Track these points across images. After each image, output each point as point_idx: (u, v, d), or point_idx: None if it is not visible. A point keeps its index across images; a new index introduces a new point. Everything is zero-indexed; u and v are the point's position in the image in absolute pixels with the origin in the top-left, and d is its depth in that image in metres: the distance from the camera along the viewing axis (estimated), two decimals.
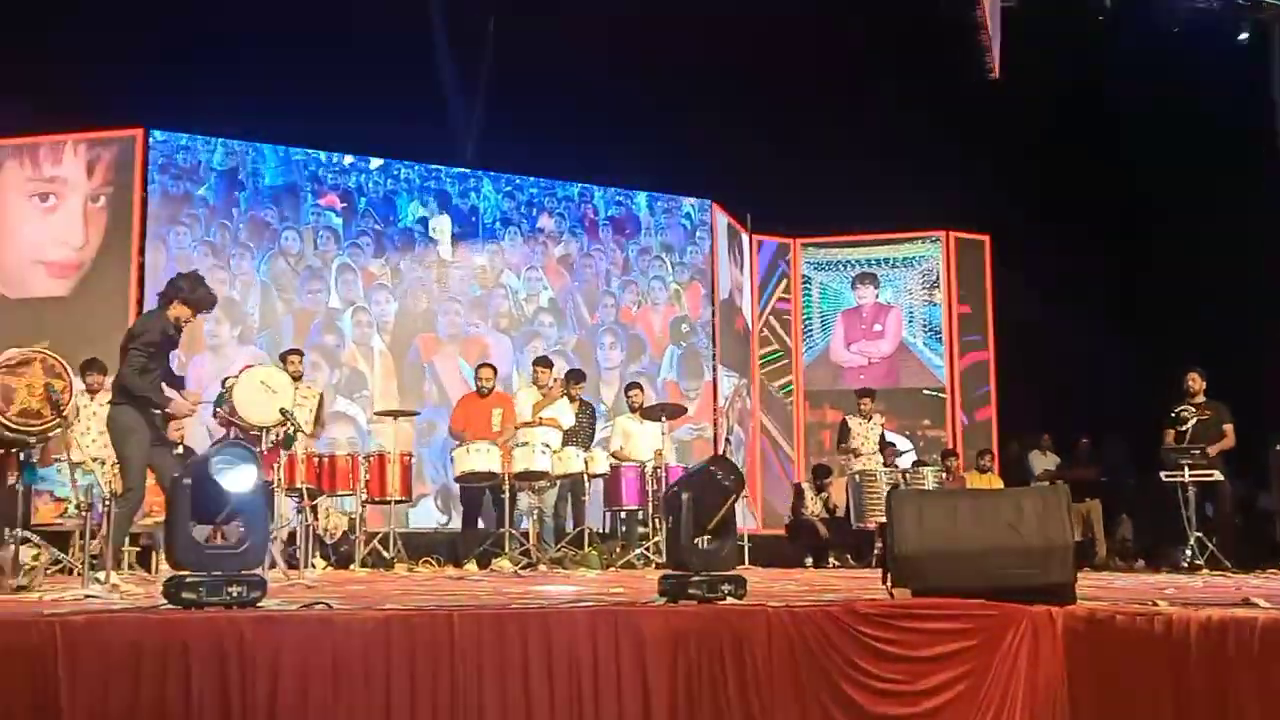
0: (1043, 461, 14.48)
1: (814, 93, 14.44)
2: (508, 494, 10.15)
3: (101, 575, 6.31)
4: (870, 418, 12.53)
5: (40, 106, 11.85)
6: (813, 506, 13.50)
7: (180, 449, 9.48)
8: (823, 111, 14.61)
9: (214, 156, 12.54)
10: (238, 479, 4.48)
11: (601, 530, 11.31)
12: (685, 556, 4.89)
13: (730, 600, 4.79)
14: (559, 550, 10.36)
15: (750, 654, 4.54)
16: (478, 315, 13.40)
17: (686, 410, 12.19)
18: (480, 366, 11.31)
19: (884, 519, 10.96)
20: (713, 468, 5.07)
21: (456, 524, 11.52)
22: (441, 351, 13.08)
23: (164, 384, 6.98)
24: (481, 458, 10.05)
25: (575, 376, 11.56)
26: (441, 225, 13.15)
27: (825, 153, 14.57)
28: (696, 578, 4.81)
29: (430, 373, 13.02)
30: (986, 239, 16.29)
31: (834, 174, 14.62)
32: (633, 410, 11.60)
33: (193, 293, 7.17)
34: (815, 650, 4.65)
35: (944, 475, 12.60)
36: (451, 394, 12.65)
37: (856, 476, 11.96)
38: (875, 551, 11.84)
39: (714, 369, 14.81)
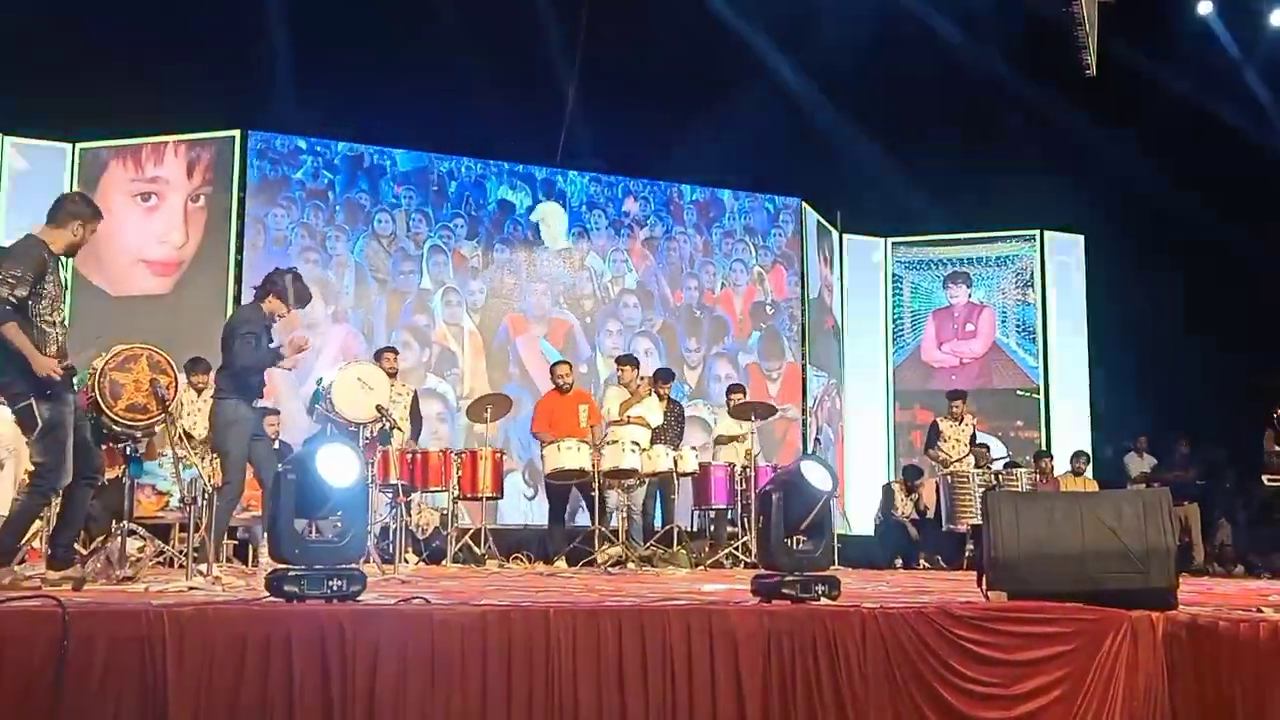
0: (1138, 464, 14.23)
1: (907, 90, 14.32)
2: (597, 492, 10.19)
3: (204, 568, 6.44)
4: (961, 419, 12.40)
5: (141, 108, 12.13)
6: (903, 508, 13.40)
7: (277, 444, 9.69)
8: (915, 109, 14.50)
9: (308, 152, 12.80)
10: (341, 473, 4.54)
11: (690, 529, 11.33)
12: (777, 556, 4.88)
13: (824, 601, 4.77)
14: (648, 548, 10.39)
15: (844, 655, 4.52)
16: (563, 297, 13.51)
17: (776, 411, 12.16)
18: (557, 364, 11.33)
19: (975, 521, 11.00)
20: (804, 467, 5.06)
21: (541, 513, 11.55)
22: (528, 332, 13.21)
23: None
24: (572, 455, 10.09)
25: (663, 375, 11.58)
26: (547, 213, 13.34)
27: (917, 151, 14.47)
28: (789, 577, 4.79)
29: (514, 353, 13.15)
30: (1081, 238, 16.06)
31: (926, 172, 14.52)
32: (729, 413, 11.60)
33: (289, 289, 7.32)
34: (910, 652, 4.62)
35: (1037, 477, 12.42)
36: (533, 372, 12.83)
37: (948, 478, 11.85)
38: (967, 553, 11.73)
39: (803, 366, 14.74)
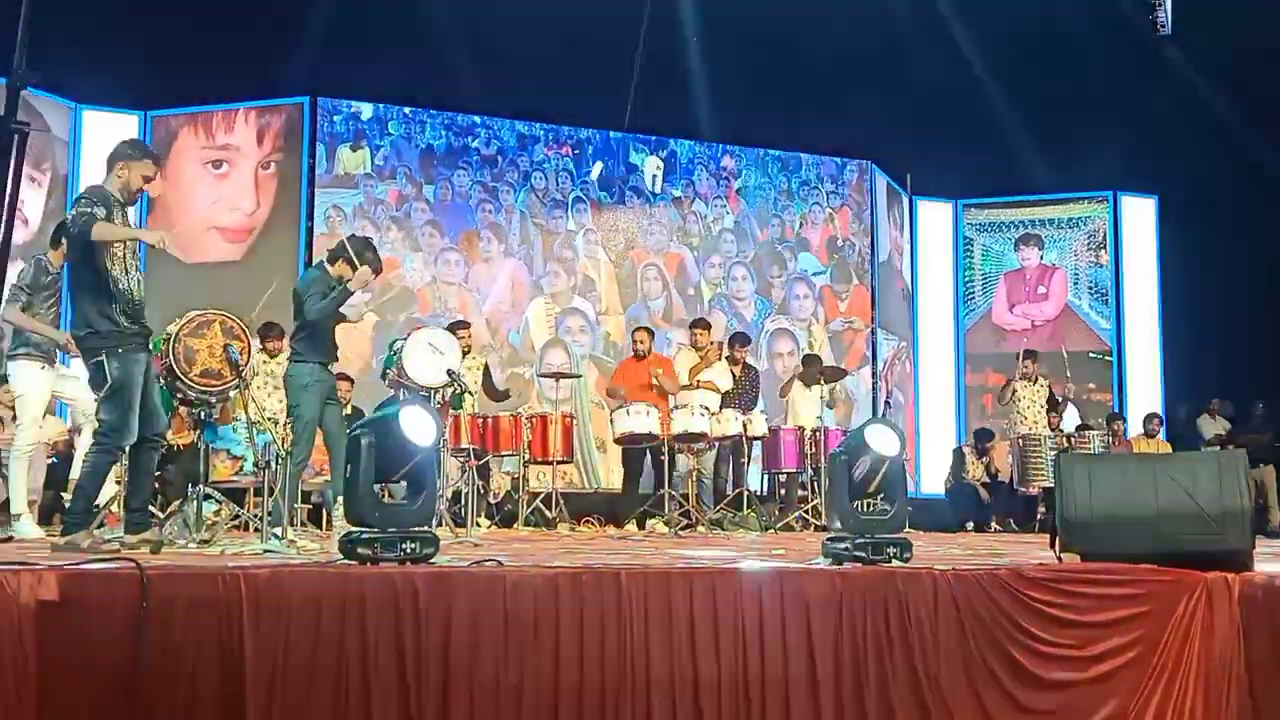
0: (1212, 426, 14.00)
1: (978, 51, 14.13)
2: (667, 456, 10.20)
3: (279, 531, 6.52)
4: (1035, 380, 12.21)
5: (212, 75, 12.25)
6: (974, 471, 13.30)
7: (349, 410, 9.78)
8: (985, 70, 14.30)
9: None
10: (417, 436, 4.56)
11: (760, 493, 11.31)
12: (848, 519, 4.86)
13: (895, 563, 4.75)
14: (718, 512, 10.39)
15: (916, 617, 4.49)
16: (676, 235, 14.53)
17: (847, 374, 12.11)
18: (637, 330, 11.36)
19: (1048, 483, 10.90)
20: (872, 431, 5.02)
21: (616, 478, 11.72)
22: (647, 260, 14.40)
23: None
24: (641, 419, 10.09)
25: (739, 340, 11.56)
26: (651, 165, 14.58)
27: (988, 113, 14.29)
28: (860, 540, 4.76)
29: (639, 277, 14.33)
30: (1154, 200, 15.80)
31: (997, 134, 14.33)
32: (801, 378, 11.56)
33: (360, 255, 7.38)
34: (982, 614, 4.58)
35: (1110, 439, 12.27)
36: (649, 293, 14.29)
37: (1019, 441, 11.74)
38: (1039, 516, 11.63)
39: (873, 331, 14.68)
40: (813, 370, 11.31)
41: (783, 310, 14.78)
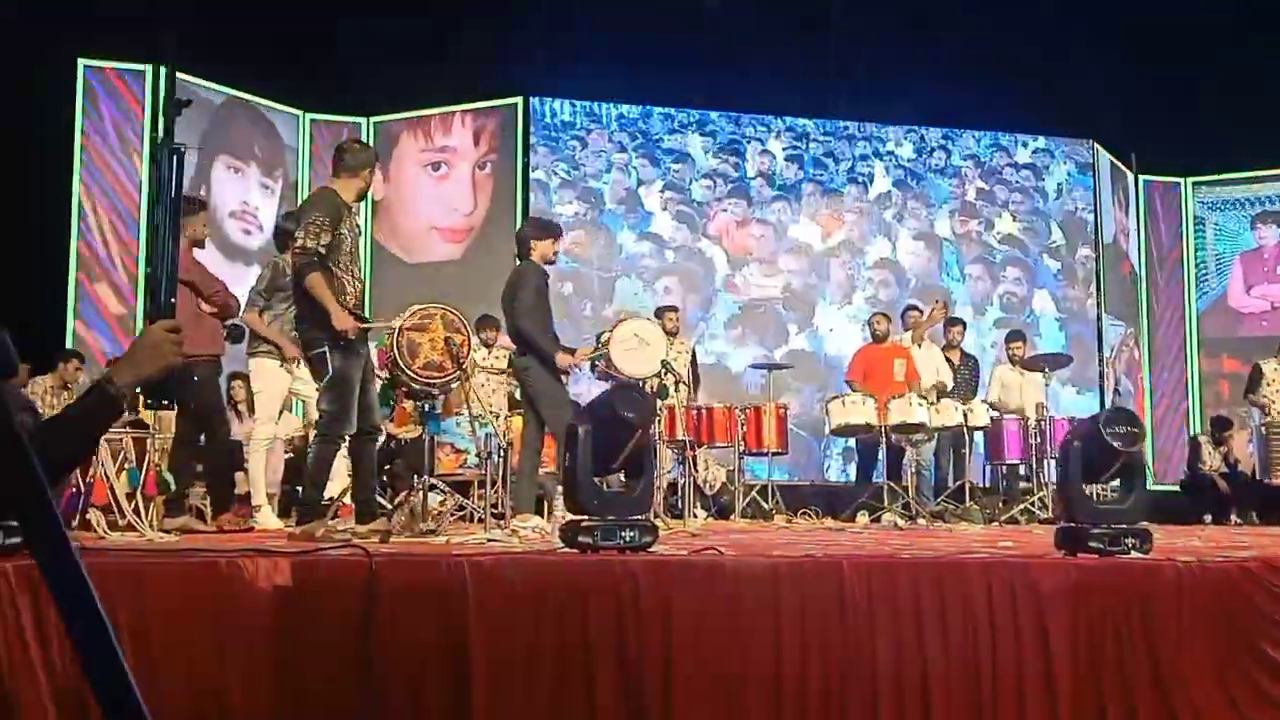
0: None
1: (1201, 18, 13.44)
2: (885, 447, 9.98)
3: (503, 521, 6.61)
4: None
5: (429, 77, 12.56)
6: (1210, 461, 12.67)
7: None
8: (1211, 37, 13.59)
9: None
10: (633, 419, 4.55)
11: (983, 484, 11.00)
12: (1081, 508, 4.64)
13: (1134, 555, 4.51)
14: (939, 504, 10.14)
15: (1159, 611, 4.26)
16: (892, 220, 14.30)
17: (1070, 360, 11.66)
18: (874, 315, 11.08)
19: None
20: (1108, 416, 4.78)
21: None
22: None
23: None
24: (857, 409, 9.90)
25: (953, 325, 11.29)
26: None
27: (1217, 83, 13.59)
28: (1096, 530, 4.54)
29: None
30: None
31: (1227, 106, 13.61)
32: (1012, 361, 11.20)
33: (545, 228, 7.45)
34: (1232, 609, 4.31)
35: None
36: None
37: (1263, 429, 11.13)
38: None
39: (1098, 316, 14.13)
40: (1035, 357, 10.93)
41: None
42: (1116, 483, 4.83)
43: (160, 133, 3.14)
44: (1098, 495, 4.70)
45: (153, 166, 3.26)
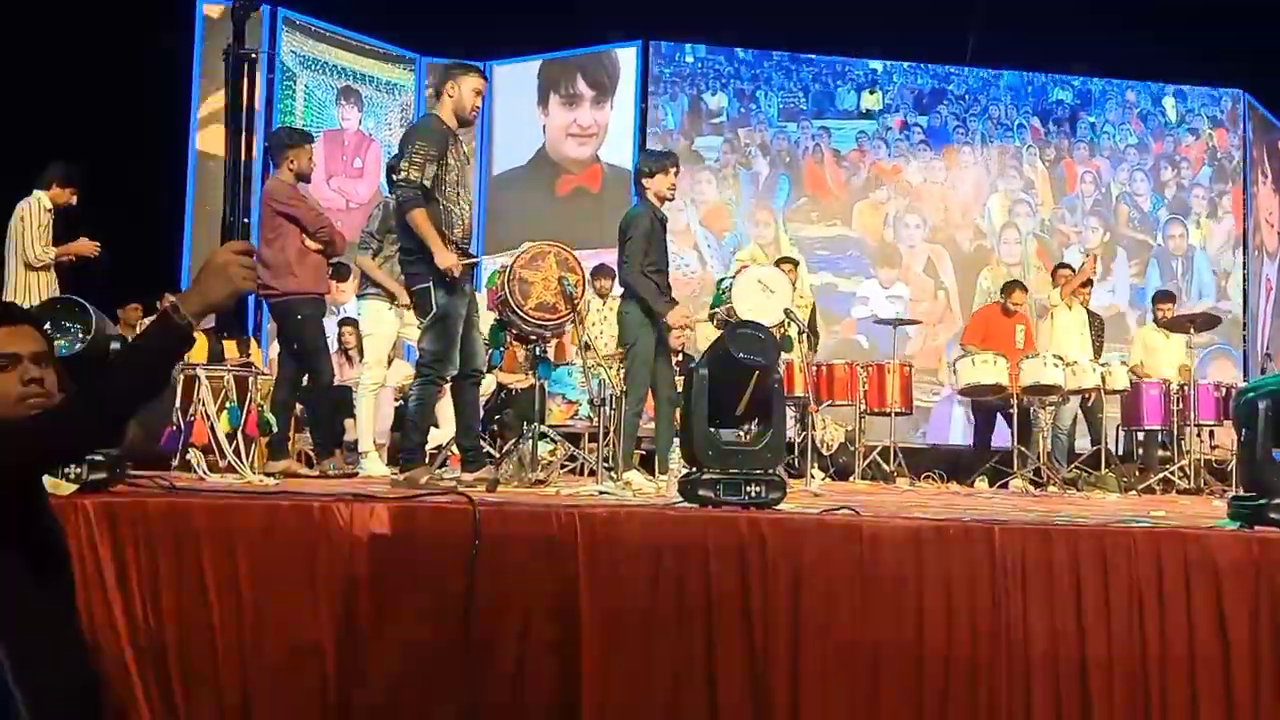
0: None
1: None
2: (1016, 409, 9.48)
3: (614, 473, 6.30)
4: None
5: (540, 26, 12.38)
6: None
7: (680, 356, 9.52)
8: None
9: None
10: (757, 359, 4.20)
11: (1118, 451, 10.44)
12: (1264, 476, 4.15)
13: None
14: (1072, 470, 9.62)
15: None
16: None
17: (1219, 321, 10.99)
18: (1013, 287, 10.61)
19: None
20: None
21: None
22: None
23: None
24: (988, 369, 9.39)
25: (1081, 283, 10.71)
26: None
27: None
28: (1278, 501, 4.06)
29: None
30: None
31: None
32: (1157, 323, 10.59)
33: (660, 158, 7.00)
34: None
35: None
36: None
37: None
38: None
39: (1244, 276, 13.43)
40: (1180, 317, 10.28)
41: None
42: None
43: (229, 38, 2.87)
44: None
45: (225, 74, 2.96)
